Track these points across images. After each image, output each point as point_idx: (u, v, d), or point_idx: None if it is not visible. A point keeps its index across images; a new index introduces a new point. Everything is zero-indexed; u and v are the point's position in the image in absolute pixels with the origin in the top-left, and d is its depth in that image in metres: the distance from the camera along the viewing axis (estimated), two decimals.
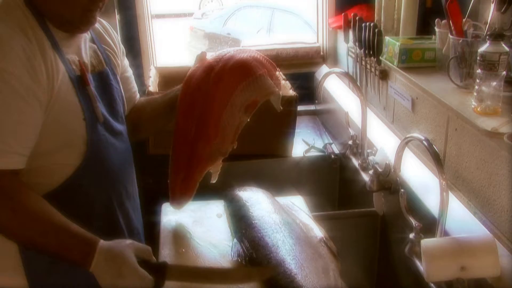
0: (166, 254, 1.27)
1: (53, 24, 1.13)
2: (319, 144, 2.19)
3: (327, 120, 2.38)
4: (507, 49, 1.17)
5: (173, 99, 1.35)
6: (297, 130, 2.06)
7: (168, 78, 2.25)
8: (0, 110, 1.03)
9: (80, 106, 1.15)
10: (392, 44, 1.61)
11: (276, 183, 1.74)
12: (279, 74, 2.13)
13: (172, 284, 1.11)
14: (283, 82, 2.08)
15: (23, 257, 1.14)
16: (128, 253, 1.06)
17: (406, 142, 1.26)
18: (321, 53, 2.62)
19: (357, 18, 1.91)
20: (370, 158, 1.65)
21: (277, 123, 1.88)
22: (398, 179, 1.44)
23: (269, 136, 1.97)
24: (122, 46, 1.42)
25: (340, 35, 2.28)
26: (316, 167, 2.09)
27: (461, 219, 1.17)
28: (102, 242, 1.06)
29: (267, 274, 1.14)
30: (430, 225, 1.18)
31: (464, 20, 1.39)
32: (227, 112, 1.25)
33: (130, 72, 1.46)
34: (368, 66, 1.86)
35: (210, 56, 1.36)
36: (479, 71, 1.20)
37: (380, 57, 1.73)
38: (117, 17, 2.33)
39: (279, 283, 1.10)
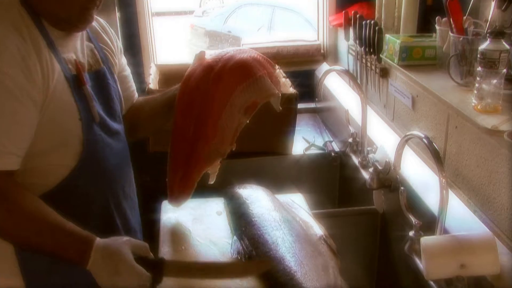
0: (166, 251, 1.27)
1: (49, 22, 1.12)
2: (319, 142, 2.19)
3: (327, 118, 2.38)
4: (507, 47, 1.16)
5: (172, 98, 1.33)
6: (297, 128, 2.06)
7: (169, 75, 2.24)
8: None
9: (76, 106, 1.14)
10: (392, 42, 1.61)
11: (276, 180, 1.74)
12: (279, 71, 2.14)
13: (170, 280, 1.11)
14: (283, 79, 2.08)
15: (19, 258, 1.13)
16: (125, 250, 1.05)
17: (406, 140, 1.26)
18: (322, 51, 2.61)
19: (357, 16, 1.91)
20: (370, 156, 1.65)
21: (277, 121, 1.88)
22: (398, 177, 1.44)
23: (269, 133, 1.97)
24: (120, 44, 1.40)
25: (341, 33, 2.28)
26: (316, 165, 2.09)
27: (461, 217, 1.17)
28: (98, 240, 1.06)
29: (264, 267, 1.14)
30: (430, 223, 1.18)
31: (464, 18, 1.39)
32: (226, 113, 1.24)
33: (128, 71, 1.45)
34: (369, 64, 1.86)
35: (209, 55, 1.35)
36: (479, 69, 1.19)
37: (381, 55, 1.73)
38: (118, 14, 2.33)
39: (278, 280, 1.10)
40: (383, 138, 1.67)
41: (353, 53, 2.07)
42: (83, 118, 1.15)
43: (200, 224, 1.39)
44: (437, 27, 1.52)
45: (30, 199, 1.06)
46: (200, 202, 1.48)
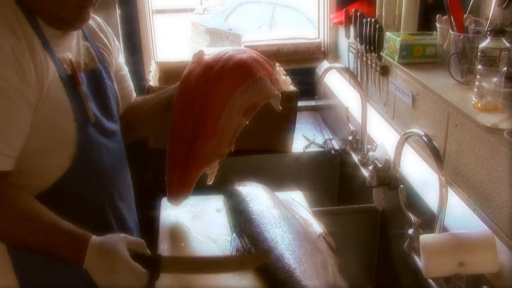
0: (165, 248, 1.27)
1: (45, 21, 1.11)
2: (319, 139, 2.19)
3: (327, 116, 2.38)
4: (508, 45, 1.16)
5: (170, 98, 1.32)
6: (297, 126, 2.06)
7: (169, 73, 2.24)
8: None
9: (71, 106, 1.12)
10: (393, 40, 1.61)
11: (276, 178, 1.74)
12: (280, 69, 2.14)
13: (167, 277, 1.10)
14: (283, 77, 2.08)
15: (12, 257, 1.12)
16: (121, 247, 1.04)
17: (406, 138, 1.26)
18: (322, 48, 2.61)
19: (358, 13, 1.90)
20: (370, 153, 1.65)
21: (277, 119, 1.87)
22: (397, 174, 1.44)
23: (269, 131, 1.96)
24: (117, 43, 1.39)
25: (341, 31, 2.28)
26: (316, 162, 2.09)
27: (460, 215, 1.17)
28: (94, 238, 1.05)
29: (260, 260, 1.14)
30: (429, 221, 1.18)
31: (465, 16, 1.39)
32: (225, 114, 1.23)
33: (125, 71, 1.43)
34: (369, 62, 1.86)
35: (208, 54, 1.33)
36: (479, 67, 1.19)
37: (381, 53, 1.72)
38: (118, 12, 2.32)
39: (277, 277, 1.11)
40: (383, 136, 1.67)
41: (354, 51, 2.06)
42: (78, 119, 1.13)
43: (200, 221, 1.39)
44: (437, 25, 1.52)
45: (24, 199, 1.06)
46: (199, 199, 1.48)
